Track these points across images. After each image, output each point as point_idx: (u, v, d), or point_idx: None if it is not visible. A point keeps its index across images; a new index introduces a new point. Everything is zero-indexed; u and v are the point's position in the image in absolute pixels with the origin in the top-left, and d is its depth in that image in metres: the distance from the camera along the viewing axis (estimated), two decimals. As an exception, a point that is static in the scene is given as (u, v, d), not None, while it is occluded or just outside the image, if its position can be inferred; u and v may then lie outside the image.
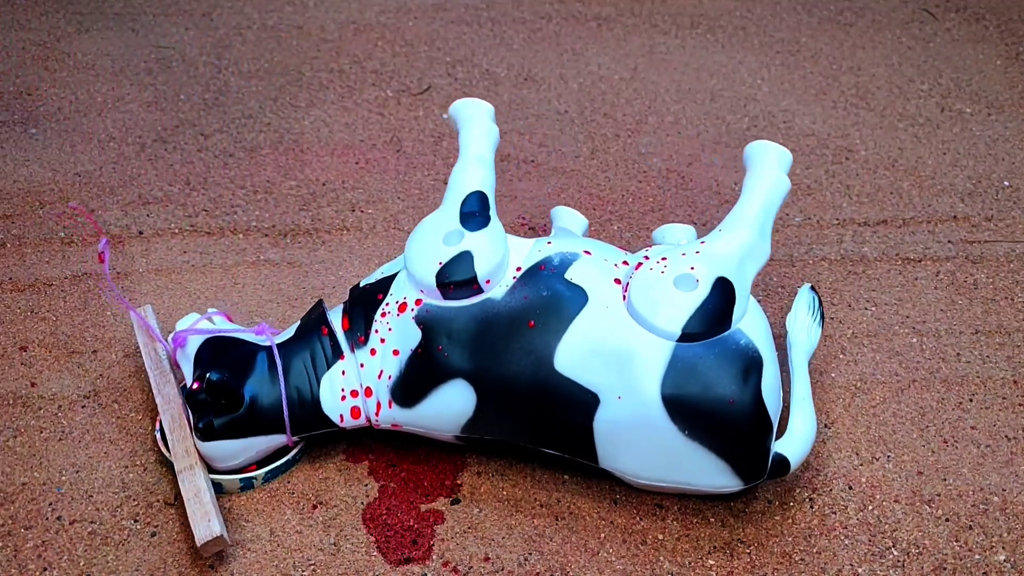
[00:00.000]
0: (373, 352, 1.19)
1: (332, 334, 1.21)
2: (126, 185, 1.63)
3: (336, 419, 1.19)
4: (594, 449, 1.14)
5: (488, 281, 1.16)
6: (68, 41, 1.96)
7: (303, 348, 1.21)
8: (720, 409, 1.09)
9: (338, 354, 1.20)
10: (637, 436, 1.11)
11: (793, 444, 1.16)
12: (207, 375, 1.15)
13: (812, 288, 1.33)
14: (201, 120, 1.77)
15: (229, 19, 2.03)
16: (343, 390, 1.19)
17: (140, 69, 1.89)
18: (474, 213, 1.21)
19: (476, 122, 1.31)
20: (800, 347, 1.26)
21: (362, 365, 1.19)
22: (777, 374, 1.14)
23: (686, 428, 1.10)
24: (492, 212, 1.22)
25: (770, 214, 1.22)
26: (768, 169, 1.24)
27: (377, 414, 1.19)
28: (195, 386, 1.17)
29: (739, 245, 1.18)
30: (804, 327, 1.28)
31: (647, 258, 1.18)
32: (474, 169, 1.26)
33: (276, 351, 1.20)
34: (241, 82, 1.86)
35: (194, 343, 1.23)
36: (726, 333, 1.12)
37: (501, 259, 1.17)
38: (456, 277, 1.16)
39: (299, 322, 1.25)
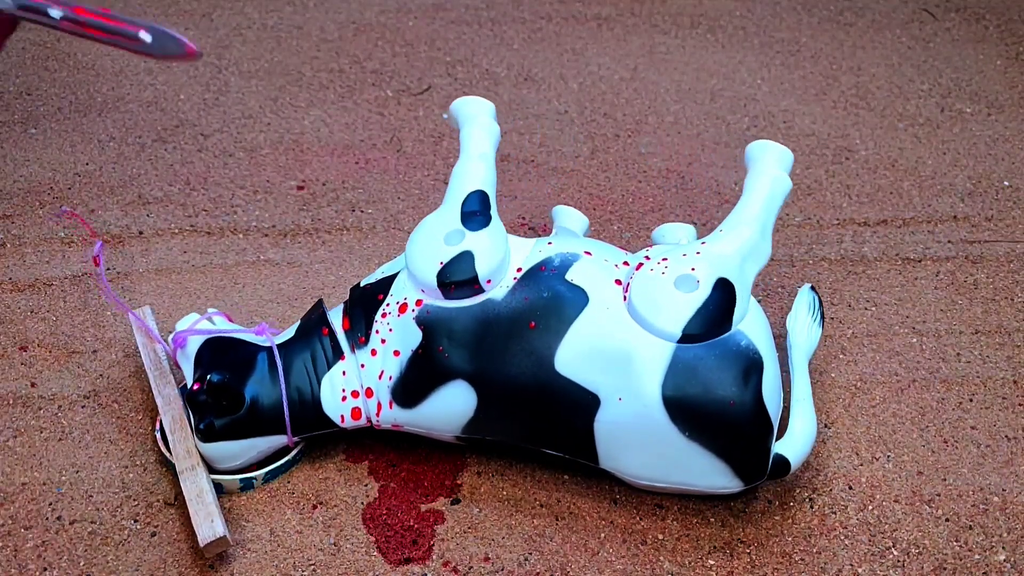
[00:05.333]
0: (374, 353, 1.19)
1: (332, 334, 1.21)
2: (126, 185, 1.63)
3: (337, 419, 1.19)
4: (595, 450, 1.14)
5: (489, 281, 1.16)
6: (68, 41, 1.96)
7: (303, 348, 1.21)
8: (721, 410, 1.09)
9: (338, 354, 1.20)
10: (638, 437, 1.11)
11: (793, 445, 1.16)
12: (208, 376, 1.15)
13: (812, 288, 1.33)
14: (201, 120, 1.77)
15: (229, 19, 2.03)
16: (344, 390, 1.19)
17: (140, 69, 1.89)
18: (475, 212, 1.21)
19: (477, 120, 1.30)
20: (800, 347, 1.26)
21: (363, 365, 1.19)
22: (778, 375, 1.14)
23: (687, 429, 1.09)
24: (493, 211, 1.22)
25: (771, 214, 1.22)
26: (769, 168, 1.24)
27: (378, 414, 1.19)
28: (195, 387, 1.17)
29: (740, 245, 1.18)
30: (804, 327, 1.28)
31: (648, 258, 1.18)
32: (475, 167, 1.26)
33: (276, 352, 1.20)
34: (241, 82, 1.86)
35: (194, 344, 1.22)
36: (727, 335, 1.12)
37: (502, 259, 1.17)
38: (457, 277, 1.16)
39: (299, 322, 1.25)
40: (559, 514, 1.19)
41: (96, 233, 1.51)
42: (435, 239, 1.19)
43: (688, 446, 1.10)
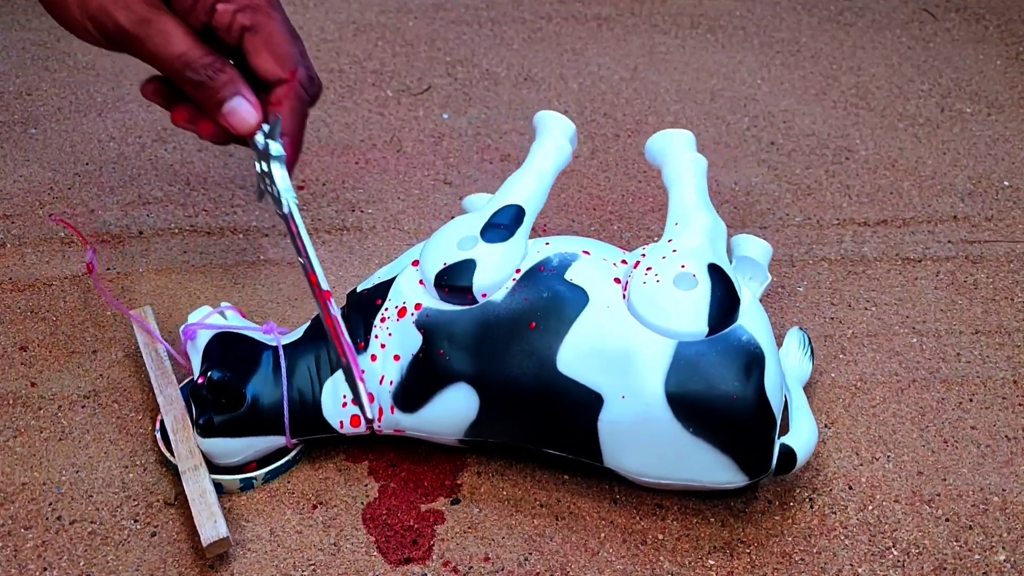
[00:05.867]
0: (374, 358, 1.19)
1: None
2: (126, 185, 1.63)
3: (336, 425, 1.19)
4: (599, 449, 1.14)
5: (484, 295, 1.15)
6: (68, 41, 1.96)
7: (309, 351, 1.20)
8: (724, 406, 1.09)
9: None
10: (642, 435, 1.11)
11: (799, 439, 1.16)
12: (209, 373, 1.15)
13: (800, 329, 1.34)
14: (201, 120, 1.77)
15: (229, 19, 2.03)
16: (344, 396, 1.19)
17: (140, 69, 1.89)
18: (501, 225, 1.20)
19: (551, 137, 1.31)
20: (793, 375, 1.27)
21: (363, 371, 1.19)
22: (779, 369, 1.14)
23: (690, 426, 1.09)
24: (522, 229, 1.21)
25: (706, 193, 1.25)
26: (681, 154, 1.28)
27: (379, 420, 1.19)
28: (200, 381, 1.17)
29: (702, 231, 1.20)
30: (796, 361, 1.29)
31: (644, 256, 1.18)
32: (528, 182, 1.26)
33: (282, 352, 1.20)
34: (241, 82, 1.86)
35: (204, 336, 1.22)
36: (728, 330, 1.12)
37: (504, 277, 1.16)
38: (453, 282, 1.16)
39: (308, 323, 1.25)
40: (559, 514, 1.19)
41: (87, 240, 1.50)
42: (451, 240, 1.19)
43: (692, 442, 1.10)
